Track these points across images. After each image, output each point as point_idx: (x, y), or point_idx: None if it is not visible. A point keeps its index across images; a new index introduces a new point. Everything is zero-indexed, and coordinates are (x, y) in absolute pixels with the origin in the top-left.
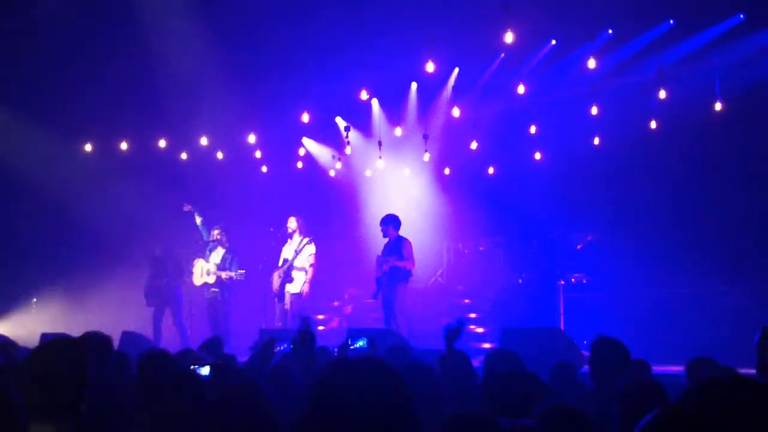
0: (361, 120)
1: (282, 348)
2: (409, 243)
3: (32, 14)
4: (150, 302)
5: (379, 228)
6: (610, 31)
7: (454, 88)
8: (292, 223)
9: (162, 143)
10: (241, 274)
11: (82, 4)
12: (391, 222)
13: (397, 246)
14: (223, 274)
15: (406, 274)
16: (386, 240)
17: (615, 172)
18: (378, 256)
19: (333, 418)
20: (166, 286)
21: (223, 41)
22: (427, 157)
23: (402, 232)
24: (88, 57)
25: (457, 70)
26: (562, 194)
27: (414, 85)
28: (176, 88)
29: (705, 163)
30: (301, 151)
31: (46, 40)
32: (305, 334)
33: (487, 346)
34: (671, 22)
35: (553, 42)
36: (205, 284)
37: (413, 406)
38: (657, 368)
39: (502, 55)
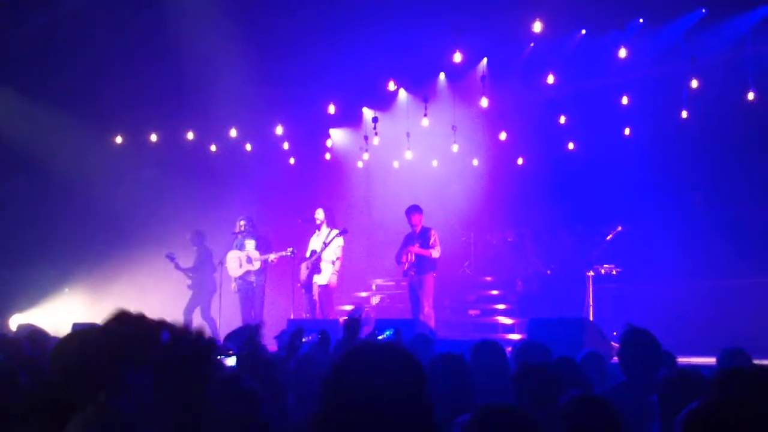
0: (388, 111)
1: (309, 339)
2: (435, 233)
3: (63, 9)
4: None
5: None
6: (641, 20)
7: (482, 77)
8: (319, 214)
9: (190, 135)
10: (291, 251)
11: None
12: (416, 211)
13: (424, 235)
14: (272, 256)
15: (434, 263)
16: (409, 231)
17: (646, 162)
18: (402, 246)
19: (348, 404)
20: (207, 275)
21: (249, 33)
22: (455, 148)
23: (431, 222)
24: (117, 50)
25: (485, 60)
26: (592, 184)
27: (442, 75)
28: (204, 80)
29: (738, 152)
30: (329, 143)
31: (76, 35)
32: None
33: (515, 337)
34: (703, 11)
35: (583, 32)
36: (247, 272)
37: (428, 393)
38: (689, 360)
39: (532, 44)
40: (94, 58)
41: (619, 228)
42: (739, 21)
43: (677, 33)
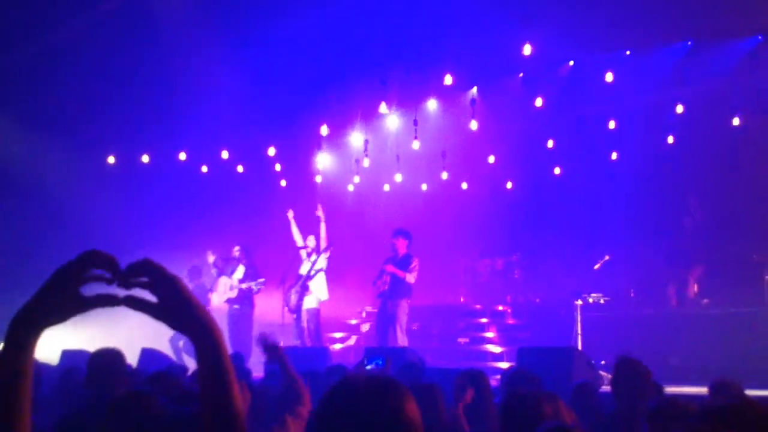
0: (379, 134)
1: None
2: (417, 260)
3: (55, 30)
4: None
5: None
6: (628, 52)
7: (472, 101)
8: (311, 241)
9: (182, 156)
10: (260, 283)
11: (106, 20)
12: (402, 236)
13: (405, 261)
14: (243, 285)
15: (408, 290)
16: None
17: (634, 190)
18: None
19: None
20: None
21: (243, 55)
22: (445, 175)
23: (419, 250)
24: (110, 72)
25: (475, 88)
26: (581, 213)
27: (432, 103)
28: (197, 101)
29: (725, 182)
30: (320, 165)
31: (68, 55)
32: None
33: (504, 365)
34: (689, 43)
35: (571, 63)
36: (228, 300)
37: (419, 428)
38: (678, 389)
39: (521, 74)
40: (86, 79)
41: (607, 257)
42: (725, 54)
43: (664, 63)
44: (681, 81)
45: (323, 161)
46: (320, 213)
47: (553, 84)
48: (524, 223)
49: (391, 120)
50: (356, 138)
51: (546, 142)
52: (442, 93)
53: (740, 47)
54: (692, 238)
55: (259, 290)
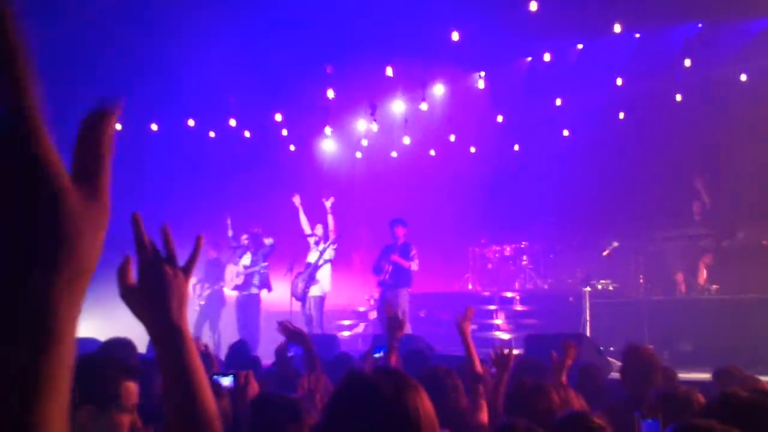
0: (386, 100)
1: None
2: (415, 247)
3: (58, 6)
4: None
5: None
6: (637, 35)
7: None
8: (318, 230)
9: (191, 122)
10: (264, 267)
11: None
12: (400, 224)
13: (405, 248)
14: (247, 270)
15: (410, 278)
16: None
17: (639, 180)
18: (380, 256)
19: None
20: (219, 290)
21: (248, 23)
22: (452, 137)
23: (428, 235)
24: (116, 38)
25: (483, 73)
26: (589, 198)
27: (440, 87)
28: (200, 66)
29: (734, 162)
30: (327, 130)
31: (69, 31)
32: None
33: (513, 352)
34: (699, 25)
35: (580, 46)
36: (236, 286)
37: (432, 422)
38: (686, 376)
39: (529, 58)
40: (93, 44)
41: (616, 243)
42: (733, 35)
43: (673, 42)
44: (689, 63)
45: (330, 128)
46: (327, 204)
47: (562, 68)
48: (532, 209)
49: (398, 98)
50: (364, 105)
51: (555, 120)
52: (449, 59)
53: (749, 28)
54: (701, 223)
55: (266, 266)
